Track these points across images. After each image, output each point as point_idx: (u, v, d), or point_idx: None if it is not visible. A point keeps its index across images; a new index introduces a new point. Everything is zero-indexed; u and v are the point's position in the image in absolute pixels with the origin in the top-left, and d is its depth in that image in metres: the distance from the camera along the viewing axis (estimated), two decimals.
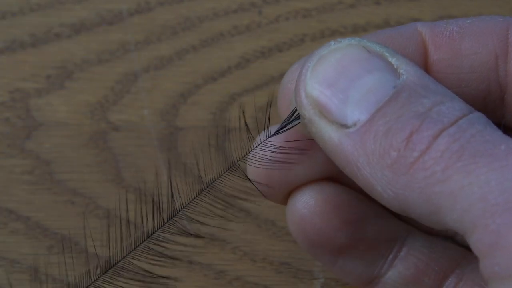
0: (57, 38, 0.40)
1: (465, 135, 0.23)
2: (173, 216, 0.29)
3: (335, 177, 0.29)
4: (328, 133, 0.25)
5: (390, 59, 0.25)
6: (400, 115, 0.24)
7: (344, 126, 0.24)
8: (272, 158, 0.28)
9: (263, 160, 0.28)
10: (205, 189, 0.28)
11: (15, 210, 0.38)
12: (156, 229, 0.29)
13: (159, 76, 0.39)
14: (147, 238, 0.29)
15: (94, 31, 0.40)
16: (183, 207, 0.29)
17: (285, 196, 0.29)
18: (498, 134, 0.23)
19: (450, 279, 0.29)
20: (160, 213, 0.29)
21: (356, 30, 0.40)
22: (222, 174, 0.28)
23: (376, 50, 0.25)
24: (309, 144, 0.27)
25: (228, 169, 0.28)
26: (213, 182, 0.28)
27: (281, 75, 0.39)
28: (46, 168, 0.38)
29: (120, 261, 0.29)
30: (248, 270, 0.37)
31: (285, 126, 0.27)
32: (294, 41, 0.40)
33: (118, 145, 0.38)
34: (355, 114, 0.24)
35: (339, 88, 0.25)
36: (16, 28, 0.40)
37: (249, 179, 0.28)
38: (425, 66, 0.28)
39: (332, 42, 0.26)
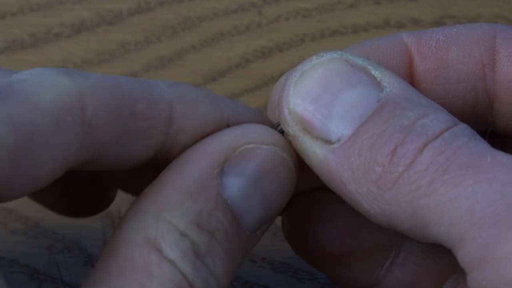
0: (57, 38, 0.40)
1: (451, 147, 0.23)
2: None
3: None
4: (313, 149, 0.25)
5: (373, 72, 0.25)
6: (384, 129, 0.23)
7: (328, 141, 0.24)
8: None
9: None
10: None
11: (15, 210, 0.38)
12: None
13: (159, 76, 0.39)
14: None
15: (94, 31, 0.40)
16: None
17: None
18: (483, 146, 0.23)
19: (447, 284, 0.29)
20: None
21: (356, 30, 0.40)
22: None
23: (358, 64, 0.25)
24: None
25: None
26: None
27: (281, 75, 0.39)
28: None
29: None
30: (248, 270, 0.37)
31: None
32: (294, 41, 0.40)
33: None
34: (339, 129, 0.24)
35: (322, 103, 0.24)
36: (16, 28, 0.40)
37: None
38: (411, 77, 0.27)
39: (314, 57, 0.25)
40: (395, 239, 0.29)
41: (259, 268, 0.37)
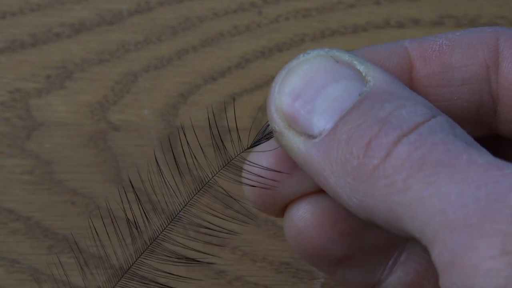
0: (57, 38, 0.40)
1: (427, 143, 0.22)
2: (174, 217, 0.29)
3: None
4: (297, 145, 0.25)
5: (358, 67, 0.25)
6: (361, 122, 0.24)
7: (311, 136, 0.24)
8: (262, 176, 0.28)
9: (253, 179, 0.28)
10: (199, 190, 0.29)
11: (15, 210, 0.38)
12: (159, 231, 0.29)
13: (159, 76, 0.39)
14: (155, 238, 0.29)
15: (94, 31, 0.40)
16: (183, 207, 0.29)
17: (281, 209, 0.29)
18: (461, 143, 0.23)
19: None
20: (161, 213, 0.29)
21: (356, 30, 0.40)
22: (197, 193, 0.28)
23: (344, 59, 0.25)
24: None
25: (203, 186, 0.28)
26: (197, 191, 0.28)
27: None
28: (46, 168, 0.38)
29: (133, 263, 0.29)
30: (248, 270, 0.37)
31: (259, 140, 0.27)
32: (294, 41, 0.40)
33: (118, 145, 0.38)
34: (321, 123, 0.24)
35: (306, 98, 0.25)
36: (16, 28, 0.40)
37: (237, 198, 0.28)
38: (410, 81, 0.27)
39: (302, 55, 0.26)
40: (397, 240, 0.29)
41: (259, 268, 0.37)
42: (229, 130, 0.29)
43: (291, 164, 0.27)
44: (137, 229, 0.29)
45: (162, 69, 0.39)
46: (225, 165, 0.28)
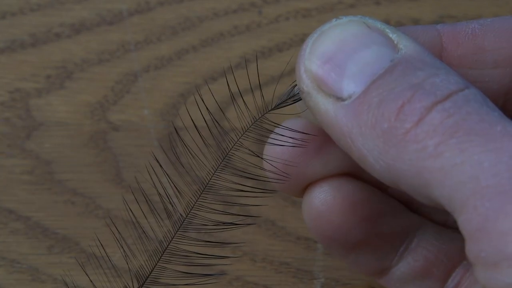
0: (57, 38, 0.40)
1: (461, 112, 0.23)
2: (205, 187, 0.29)
3: (353, 172, 0.29)
4: (325, 106, 0.25)
5: (390, 35, 0.25)
6: (394, 87, 0.24)
7: (340, 99, 0.24)
8: (290, 147, 0.28)
9: (281, 148, 0.28)
10: (207, 184, 0.29)
11: (15, 210, 0.38)
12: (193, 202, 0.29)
13: (159, 76, 0.39)
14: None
15: (94, 31, 0.40)
16: (191, 209, 0.29)
17: (302, 189, 0.29)
18: (495, 114, 0.23)
19: (457, 270, 0.29)
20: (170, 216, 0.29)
21: None
22: (224, 158, 0.28)
23: (377, 26, 0.25)
24: (322, 134, 0.27)
25: (226, 155, 0.28)
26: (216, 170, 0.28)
27: (281, 75, 0.39)
28: (46, 168, 0.38)
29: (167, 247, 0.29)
30: (248, 270, 0.37)
31: (284, 101, 0.27)
32: (294, 41, 0.40)
33: (118, 145, 0.38)
34: (350, 86, 0.24)
35: (336, 62, 0.25)
36: (16, 28, 0.40)
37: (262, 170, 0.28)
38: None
39: (334, 19, 0.26)
40: (411, 226, 0.29)
41: (259, 268, 0.37)
42: (233, 129, 0.29)
43: (316, 143, 0.27)
44: (170, 204, 0.29)
45: (162, 69, 0.39)
46: (250, 126, 0.28)
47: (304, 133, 0.28)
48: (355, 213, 0.28)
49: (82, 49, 0.40)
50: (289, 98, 0.27)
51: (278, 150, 0.28)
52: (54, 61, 0.39)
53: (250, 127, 0.28)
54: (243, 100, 0.30)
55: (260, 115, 0.28)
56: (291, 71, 0.39)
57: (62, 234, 0.37)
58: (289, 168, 0.28)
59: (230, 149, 0.28)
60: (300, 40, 0.40)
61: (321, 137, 0.28)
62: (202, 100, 0.34)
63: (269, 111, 0.28)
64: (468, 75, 0.27)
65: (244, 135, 0.28)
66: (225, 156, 0.28)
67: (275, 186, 0.29)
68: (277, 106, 0.28)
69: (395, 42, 0.25)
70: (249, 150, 0.28)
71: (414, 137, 0.23)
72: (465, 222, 0.22)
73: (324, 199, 0.28)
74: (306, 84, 0.25)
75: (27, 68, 0.39)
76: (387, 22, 0.40)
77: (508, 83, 0.27)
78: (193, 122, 0.30)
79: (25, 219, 0.37)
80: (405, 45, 0.25)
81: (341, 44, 0.25)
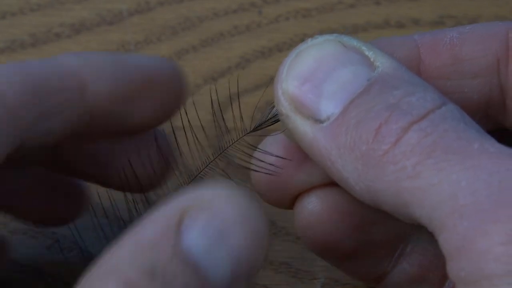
0: (57, 38, 0.40)
1: (438, 130, 0.23)
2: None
3: None
4: (303, 128, 0.25)
5: (366, 53, 0.25)
6: (371, 107, 0.24)
7: (318, 121, 0.24)
8: (274, 164, 0.28)
9: (265, 166, 0.28)
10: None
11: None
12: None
13: None
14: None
15: (94, 31, 0.40)
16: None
17: (291, 201, 0.29)
18: (472, 131, 0.23)
19: None
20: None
21: (356, 30, 0.40)
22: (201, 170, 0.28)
23: (353, 45, 0.25)
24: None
25: (208, 165, 0.28)
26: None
27: None
28: None
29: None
30: None
31: (262, 123, 0.27)
32: (294, 41, 0.40)
33: None
34: (328, 108, 0.24)
35: (313, 82, 0.25)
36: (16, 28, 0.40)
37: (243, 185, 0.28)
38: (417, 74, 0.27)
39: (310, 39, 0.26)
40: (405, 232, 0.29)
41: None
42: (235, 128, 0.29)
43: (301, 154, 0.27)
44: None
45: None
46: (227, 147, 0.28)
47: (281, 157, 0.27)
48: (345, 222, 0.28)
49: (82, 49, 0.40)
50: (269, 119, 0.27)
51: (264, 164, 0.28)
52: None
53: (226, 149, 0.28)
54: (239, 105, 0.30)
55: (238, 137, 0.28)
56: None
57: (62, 234, 0.37)
58: (276, 181, 0.28)
59: (202, 170, 0.28)
60: (300, 40, 0.40)
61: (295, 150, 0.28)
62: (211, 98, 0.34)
63: (248, 133, 0.28)
64: (447, 86, 0.27)
65: (219, 156, 0.28)
66: (197, 175, 0.28)
67: (263, 200, 0.29)
68: (256, 128, 0.27)
69: (372, 59, 0.25)
70: (223, 171, 0.28)
71: (392, 158, 0.23)
72: (444, 241, 0.22)
73: (312, 210, 0.28)
74: (284, 106, 0.25)
75: None
76: (387, 22, 0.40)
77: (488, 92, 0.27)
78: (189, 123, 0.30)
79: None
80: (381, 62, 0.25)
81: (317, 64, 0.25)
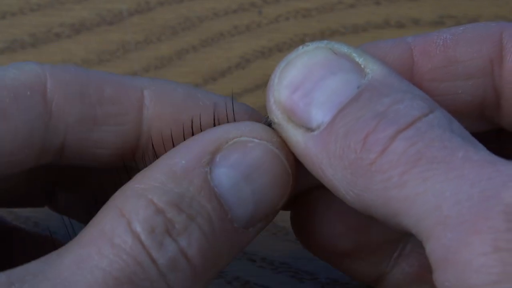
0: (57, 38, 0.40)
1: (424, 139, 0.23)
2: None
3: None
4: (295, 137, 0.25)
5: (357, 59, 0.25)
6: (359, 116, 0.24)
7: (309, 129, 0.24)
8: None
9: None
10: None
11: (15, 210, 0.38)
12: None
13: (159, 76, 0.39)
14: None
15: (94, 31, 0.40)
16: None
17: (289, 202, 0.29)
18: (458, 139, 0.23)
19: None
20: None
21: (356, 30, 0.40)
22: None
23: (343, 51, 0.25)
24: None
25: None
26: None
27: None
28: None
29: None
30: (248, 270, 0.37)
31: None
32: (294, 41, 0.40)
33: None
34: (319, 116, 0.24)
35: (304, 91, 0.25)
36: (16, 28, 0.40)
37: None
38: (410, 77, 0.27)
39: (301, 47, 0.26)
40: (403, 233, 0.29)
41: (259, 268, 0.37)
42: None
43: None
44: None
45: (162, 69, 0.39)
46: None
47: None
48: (342, 223, 0.28)
49: (82, 49, 0.40)
50: None
51: None
52: (54, 61, 0.39)
53: None
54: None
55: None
56: None
57: (62, 234, 0.37)
58: None
59: None
60: (300, 40, 0.40)
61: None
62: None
63: None
64: (441, 88, 0.27)
65: None
66: None
67: None
68: None
69: (362, 66, 0.25)
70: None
71: (379, 168, 0.23)
72: (431, 251, 0.22)
73: (310, 211, 0.28)
74: (276, 115, 0.25)
75: None
76: (387, 22, 0.40)
77: (482, 93, 0.27)
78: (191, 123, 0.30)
79: (25, 219, 0.37)
80: (371, 68, 0.25)
81: (308, 72, 0.25)
